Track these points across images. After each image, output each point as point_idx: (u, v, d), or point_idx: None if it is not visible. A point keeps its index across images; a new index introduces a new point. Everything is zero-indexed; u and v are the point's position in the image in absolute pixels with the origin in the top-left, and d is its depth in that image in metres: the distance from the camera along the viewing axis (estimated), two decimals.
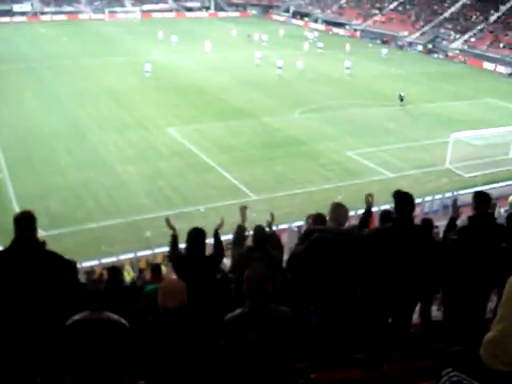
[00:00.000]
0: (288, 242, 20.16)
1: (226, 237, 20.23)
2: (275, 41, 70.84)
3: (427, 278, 6.13)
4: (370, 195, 7.23)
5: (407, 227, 5.91)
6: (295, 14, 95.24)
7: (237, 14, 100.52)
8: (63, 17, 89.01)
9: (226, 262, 13.35)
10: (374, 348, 5.88)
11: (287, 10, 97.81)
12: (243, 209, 7.97)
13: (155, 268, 10.26)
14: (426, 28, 75.07)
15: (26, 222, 5.16)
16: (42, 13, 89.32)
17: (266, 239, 7.13)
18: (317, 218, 7.31)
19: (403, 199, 5.97)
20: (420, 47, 71.55)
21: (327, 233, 6.03)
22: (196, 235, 6.46)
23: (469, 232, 6.36)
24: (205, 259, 6.54)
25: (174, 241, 7.33)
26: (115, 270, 9.12)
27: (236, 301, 5.86)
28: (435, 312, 8.17)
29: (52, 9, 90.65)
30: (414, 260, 5.83)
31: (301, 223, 20.34)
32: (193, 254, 6.45)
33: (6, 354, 5.27)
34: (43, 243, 5.28)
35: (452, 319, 6.72)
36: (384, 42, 74.29)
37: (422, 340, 6.32)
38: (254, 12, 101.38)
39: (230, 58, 59.98)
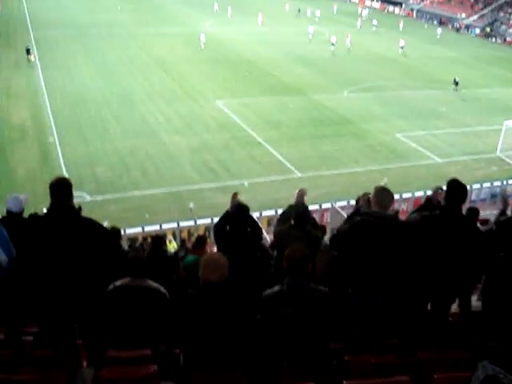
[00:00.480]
0: (331, 222, 20.16)
1: (269, 212, 20.44)
2: (328, 17, 69.94)
3: (470, 268, 6.03)
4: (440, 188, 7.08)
5: (454, 217, 5.80)
6: None
7: None
8: None
9: (268, 238, 13.42)
10: (410, 335, 5.84)
11: None
12: (300, 192, 7.89)
13: (200, 239, 10.33)
14: (485, 11, 72.89)
15: (61, 188, 5.21)
16: None
17: (307, 218, 7.10)
18: (366, 202, 7.23)
19: (455, 189, 5.84)
20: (478, 30, 69.60)
21: (370, 216, 5.98)
22: (239, 210, 6.46)
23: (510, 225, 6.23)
24: (246, 234, 6.54)
25: (226, 216, 7.24)
26: (158, 239, 9.24)
27: (275, 277, 5.89)
28: (475, 302, 8.05)
29: None
30: (457, 249, 5.74)
31: (344, 203, 20.27)
32: (235, 228, 6.46)
33: (46, 317, 5.43)
34: (79, 209, 5.34)
35: (491, 311, 6.61)
36: (441, 24, 72.43)
37: (459, 330, 6.24)
38: None
39: (282, 32, 59.52)
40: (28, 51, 42.47)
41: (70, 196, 5.24)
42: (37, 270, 5.22)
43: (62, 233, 5.10)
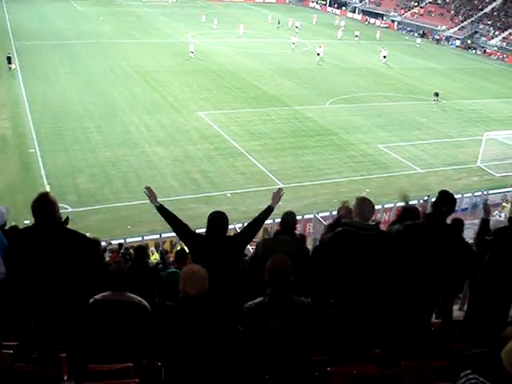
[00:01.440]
0: (313, 232, 20.19)
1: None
2: (308, 28, 70.44)
3: (452, 278, 6.06)
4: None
5: (439, 225, 5.84)
6: (333, 3, 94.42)
7: (274, 0, 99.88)
8: None
9: (250, 248, 13.37)
10: (392, 344, 5.84)
11: None
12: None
13: (182, 253, 10.29)
14: (465, 23, 73.84)
15: (45, 206, 5.13)
16: None
17: (294, 224, 7.06)
18: (347, 211, 7.23)
19: (444, 198, 5.88)
20: (458, 42, 70.45)
21: (352, 227, 5.98)
22: (217, 217, 6.28)
23: (507, 233, 6.28)
24: (225, 242, 6.33)
25: (165, 211, 6.64)
26: (141, 250, 9.18)
27: (258, 287, 5.84)
28: (456, 312, 8.09)
29: None
30: (440, 258, 5.76)
31: (326, 214, 20.31)
32: (213, 236, 6.25)
33: (29, 329, 5.37)
34: (66, 219, 5.30)
35: (474, 319, 6.65)
36: (421, 36, 73.25)
37: (441, 339, 6.26)
38: None
39: (263, 43, 59.80)
40: (9, 59, 42.27)
41: (55, 212, 5.16)
42: (20, 282, 5.16)
43: (49, 245, 5.05)
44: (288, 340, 4.64)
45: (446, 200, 5.87)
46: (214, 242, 6.10)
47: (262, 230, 19.54)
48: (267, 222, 19.28)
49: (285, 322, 4.59)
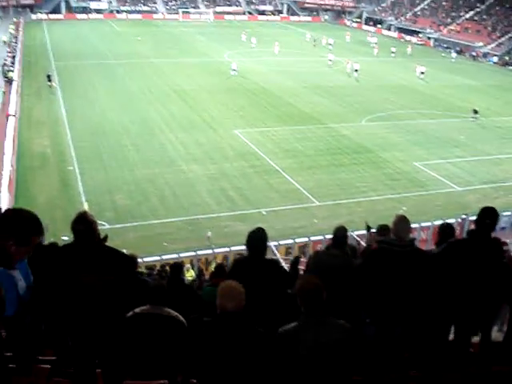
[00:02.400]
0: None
1: (287, 241, 20.48)
2: (342, 45, 70.51)
3: (494, 296, 5.97)
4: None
5: (483, 239, 5.76)
6: (368, 21, 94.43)
7: (309, 18, 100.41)
8: (138, 16, 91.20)
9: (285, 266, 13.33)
10: (430, 366, 5.75)
11: (360, 16, 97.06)
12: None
13: (219, 268, 10.32)
14: (503, 39, 72.92)
15: (86, 226, 5.21)
16: (118, 11, 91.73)
17: (345, 238, 6.96)
18: (381, 230, 7.19)
19: (486, 213, 5.81)
20: (495, 58, 69.57)
21: (385, 244, 5.96)
22: (257, 234, 6.28)
23: None
24: (265, 262, 6.34)
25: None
26: (177, 267, 9.24)
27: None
28: (495, 333, 7.93)
29: (128, 7, 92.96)
30: (483, 277, 5.68)
31: (362, 232, 20.14)
32: (253, 254, 6.24)
33: (67, 345, 5.44)
34: (105, 237, 5.37)
35: None
36: (458, 52, 72.65)
37: (480, 361, 6.14)
38: (326, 17, 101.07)
39: (299, 62, 59.97)
40: (49, 77, 43.41)
41: (94, 231, 5.24)
42: (58, 298, 5.24)
43: (86, 263, 5.12)
44: (325, 365, 4.48)
45: (488, 213, 5.79)
46: (255, 262, 6.10)
47: (283, 250, 19.60)
48: (287, 242, 19.19)
49: (321, 347, 4.43)
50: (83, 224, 5.16)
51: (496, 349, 6.63)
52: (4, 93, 40.04)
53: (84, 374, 5.37)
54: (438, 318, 5.93)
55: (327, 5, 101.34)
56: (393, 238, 5.99)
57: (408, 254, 5.82)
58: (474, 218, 5.92)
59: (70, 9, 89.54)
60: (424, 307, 5.92)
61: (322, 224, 22.58)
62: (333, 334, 4.49)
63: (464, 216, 21.44)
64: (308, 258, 7.13)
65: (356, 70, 52.26)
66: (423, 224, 21.64)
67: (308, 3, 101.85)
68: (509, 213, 22.99)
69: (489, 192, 27.68)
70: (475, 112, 40.50)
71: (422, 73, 54.08)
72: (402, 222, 5.98)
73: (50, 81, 43.32)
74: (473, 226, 5.95)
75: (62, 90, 43.21)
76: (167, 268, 13.53)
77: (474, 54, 71.88)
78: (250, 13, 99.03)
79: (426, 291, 5.83)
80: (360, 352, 4.99)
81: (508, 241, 15.84)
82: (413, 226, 6.64)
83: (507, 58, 68.71)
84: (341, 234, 6.83)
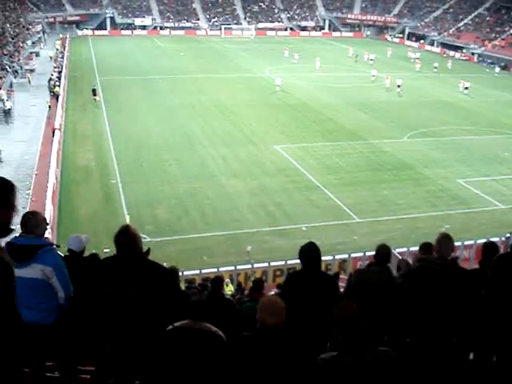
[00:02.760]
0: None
1: (326, 257, 20.31)
2: (383, 60, 70.20)
3: None
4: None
5: None
6: (410, 36, 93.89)
7: (351, 34, 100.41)
8: (181, 32, 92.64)
9: None
10: None
11: (402, 32, 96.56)
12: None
13: (258, 283, 10.31)
14: None
15: (129, 240, 5.24)
16: (162, 27, 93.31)
17: (387, 256, 6.87)
18: (423, 247, 7.09)
19: None
20: None
21: (427, 262, 5.88)
22: (310, 248, 6.23)
23: None
24: (321, 276, 6.23)
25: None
26: (218, 281, 9.25)
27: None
28: None
29: (171, 24, 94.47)
30: None
31: (403, 249, 19.87)
32: (309, 268, 6.16)
33: (106, 356, 5.48)
34: (148, 251, 5.39)
35: None
36: (503, 68, 71.56)
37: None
38: (368, 33, 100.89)
39: (340, 77, 59.87)
40: (94, 91, 44.41)
41: (137, 246, 5.27)
42: (99, 310, 5.28)
43: (126, 276, 5.15)
44: None
45: None
46: (310, 276, 6.05)
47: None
48: (326, 258, 18.89)
49: (362, 377, 4.24)
50: (126, 237, 5.21)
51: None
52: (50, 107, 41.03)
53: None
54: (476, 337, 5.80)
55: (369, 20, 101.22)
56: (435, 255, 5.91)
57: (450, 273, 5.73)
58: None
59: (115, 25, 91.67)
60: (465, 326, 5.79)
61: (362, 240, 22.37)
62: (377, 362, 4.29)
63: (508, 235, 20.95)
64: (349, 276, 7.07)
65: (399, 86, 51.98)
66: (466, 242, 21.23)
67: (350, 19, 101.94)
68: None
69: None
70: None
71: (466, 88, 53.52)
72: (445, 239, 5.88)
73: (95, 95, 44.30)
74: None
75: (106, 104, 44.10)
76: (208, 283, 13.55)
77: None
78: (291, 29, 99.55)
79: (467, 310, 5.71)
80: (403, 375, 4.85)
81: None
82: (456, 244, 6.51)
83: None
84: (384, 251, 6.76)
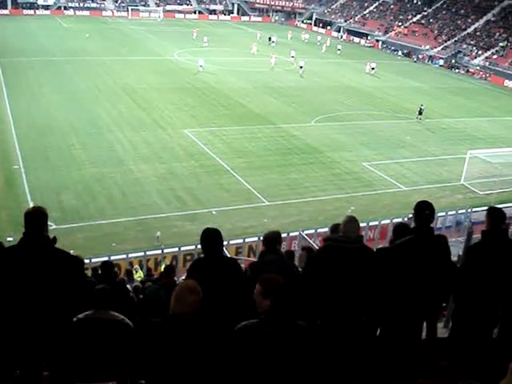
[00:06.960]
0: (298, 250, 20.13)
1: (237, 240, 20.44)
2: (283, 43, 71.21)
3: (440, 291, 6.11)
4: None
5: (428, 237, 5.97)
6: (317, 22, 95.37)
7: (259, 19, 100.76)
8: (86, 12, 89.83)
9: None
10: (378, 363, 5.81)
11: (310, 18, 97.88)
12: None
13: (168, 268, 10.24)
14: (449, 43, 74.73)
15: (36, 219, 5.08)
16: (66, 7, 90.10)
17: (276, 240, 6.89)
18: (333, 229, 7.23)
19: (421, 205, 6.08)
20: (441, 61, 71.27)
21: (332, 241, 6.01)
22: (210, 234, 6.19)
23: (482, 247, 6.31)
24: (223, 260, 6.22)
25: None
26: (107, 265, 9.10)
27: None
28: (440, 329, 8.08)
29: (76, 4, 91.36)
30: (431, 271, 5.83)
31: (311, 231, 20.32)
32: (209, 254, 6.14)
33: (12, 349, 5.27)
34: (54, 239, 5.21)
35: (459, 337, 6.64)
36: (405, 55, 74.13)
37: (426, 357, 6.25)
38: (276, 18, 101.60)
39: (249, 62, 60.05)
40: None
41: (45, 226, 5.10)
42: (4, 299, 5.07)
43: (36, 264, 4.96)
44: (283, 367, 4.34)
45: (423, 205, 6.06)
46: (213, 262, 6.00)
47: (234, 249, 19.54)
48: (237, 241, 19.03)
49: (279, 345, 4.33)
50: (38, 212, 5.05)
51: (442, 345, 6.76)
52: None
53: (30, 376, 5.22)
54: (389, 314, 6.01)
55: (278, 6, 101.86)
56: (340, 235, 6.03)
57: (356, 250, 5.87)
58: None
59: (16, 4, 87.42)
60: (373, 304, 5.97)
61: (272, 223, 22.66)
62: (292, 332, 4.41)
63: (410, 215, 21.84)
64: (244, 271, 6.98)
65: (301, 67, 53.78)
66: (371, 223, 21.96)
67: (259, 3, 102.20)
68: (453, 212, 23.55)
69: (434, 192, 28.28)
70: (420, 113, 41.35)
71: (373, 68, 56.51)
72: (351, 221, 6.02)
73: None
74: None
75: (6, 87, 42.09)
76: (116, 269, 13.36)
77: (420, 56, 73.40)
78: (200, 12, 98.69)
79: (373, 287, 5.89)
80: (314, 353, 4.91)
81: (453, 239, 16.26)
82: (361, 225, 6.70)
83: (453, 61, 70.45)
84: (271, 235, 6.75)
